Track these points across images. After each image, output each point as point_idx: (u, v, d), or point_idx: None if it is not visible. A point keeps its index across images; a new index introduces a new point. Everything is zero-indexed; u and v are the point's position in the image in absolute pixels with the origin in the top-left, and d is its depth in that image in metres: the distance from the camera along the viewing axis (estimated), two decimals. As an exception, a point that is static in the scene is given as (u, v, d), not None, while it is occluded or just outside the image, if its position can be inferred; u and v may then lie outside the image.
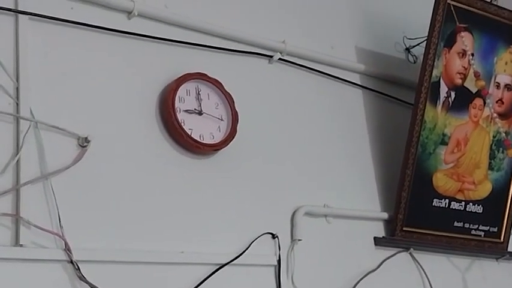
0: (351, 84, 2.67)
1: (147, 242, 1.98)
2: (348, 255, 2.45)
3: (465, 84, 2.68)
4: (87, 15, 2.02)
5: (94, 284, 1.82)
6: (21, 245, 1.76)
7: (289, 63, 2.49)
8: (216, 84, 2.22)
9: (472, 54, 2.63)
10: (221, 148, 2.18)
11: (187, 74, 2.17)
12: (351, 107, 2.67)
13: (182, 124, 2.11)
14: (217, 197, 2.17)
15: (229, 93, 2.24)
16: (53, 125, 1.86)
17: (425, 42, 2.60)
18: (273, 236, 2.25)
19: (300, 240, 2.30)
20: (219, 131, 2.20)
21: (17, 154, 1.80)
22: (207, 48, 2.27)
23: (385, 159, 2.66)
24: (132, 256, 1.93)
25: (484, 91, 2.65)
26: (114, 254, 1.90)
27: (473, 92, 2.70)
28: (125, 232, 1.95)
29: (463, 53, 2.64)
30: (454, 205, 2.71)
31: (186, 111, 2.14)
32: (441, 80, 2.62)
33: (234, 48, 2.34)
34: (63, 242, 1.81)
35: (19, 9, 1.90)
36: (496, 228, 2.84)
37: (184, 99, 2.15)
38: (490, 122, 2.75)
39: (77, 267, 1.81)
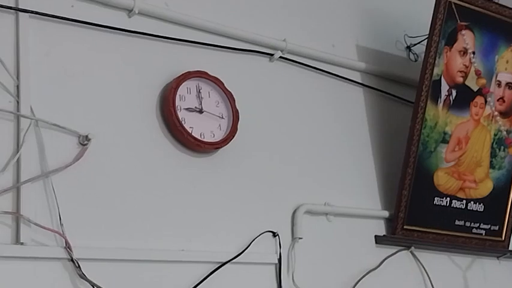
0: (351, 82, 2.67)
1: (147, 240, 1.98)
2: (349, 254, 2.45)
3: (466, 83, 2.68)
4: (87, 13, 2.02)
5: (94, 282, 1.82)
6: (21, 243, 1.76)
7: (290, 62, 2.49)
8: (217, 82, 2.22)
9: (473, 53, 2.63)
10: (222, 146, 2.18)
11: (188, 72, 2.17)
12: (352, 106, 2.66)
13: (183, 122, 2.11)
14: (217, 195, 2.17)
15: (230, 92, 2.24)
16: (53, 123, 1.87)
17: (426, 40, 2.60)
18: (274, 234, 2.25)
19: (300, 238, 2.30)
20: (220, 129, 2.20)
21: (17, 152, 1.80)
22: (208, 47, 2.27)
23: (386, 157, 2.66)
24: (133, 254, 1.94)
25: (485, 89, 2.65)
26: (114, 252, 1.90)
27: (475, 90, 2.69)
28: (125, 230, 1.95)
29: (464, 51, 2.64)
30: (455, 203, 2.71)
31: (187, 109, 2.14)
32: (442, 78, 2.62)
33: (235, 47, 2.34)
34: (64, 240, 1.81)
35: (19, 7, 1.90)
36: (497, 226, 2.84)
37: (185, 97, 2.15)
38: (491, 120, 2.74)
39: (77, 265, 1.81)
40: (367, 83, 2.72)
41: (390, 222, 2.58)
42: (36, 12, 1.92)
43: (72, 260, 1.81)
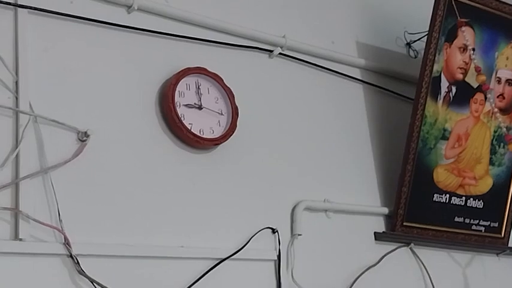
0: (351, 79, 2.66)
1: (146, 236, 1.98)
2: (348, 250, 2.45)
3: (466, 79, 2.67)
4: (86, 9, 2.02)
5: (93, 278, 1.83)
6: (20, 239, 1.76)
7: (290, 58, 2.48)
8: (216, 78, 2.22)
9: (473, 49, 2.62)
10: (221, 143, 2.18)
11: (187, 68, 2.16)
12: (352, 102, 2.66)
13: (182, 118, 2.11)
14: (217, 191, 2.17)
15: (229, 88, 2.24)
16: (52, 119, 1.87)
17: (426, 37, 2.59)
18: (273, 231, 2.25)
19: (300, 235, 2.30)
20: (219, 125, 2.20)
21: (16, 148, 1.80)
22: (207, 43, 2.27)
23: (385, 154, 2.66)
24: (132, 250, 1.93)
25: (485, 86, 2.65)
26: (113, 248, 1.90)
27: (474, 86, 2.69)
28: (124, 226, 1.95)
29: (464, 48, 2.64)
30: (455, 200, 2.71)
31: (186, 105, 2.14)
32: (442, 75, 2.61)
33: (234, 43, 2.34)
34: (63, 236, 1.81)
35: (18, 3, 1.90)
36: (497, 223, 2.83)
37: (184, 93, 2.15)
38: (491, 117, 2.74)
39: (76, 261, 1.81)
40: (367, 79, 2.71)
41: (390, 218, 2.58)
42: (35, 8, 1.92)
43: (71, 256, 1.81)
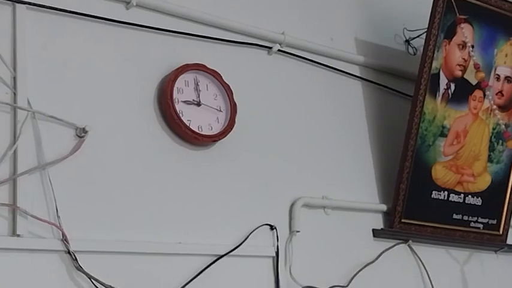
0: (350, 76, 2.66)
1: (144, 232, 1.98)
2: (346, 247, 2.45)
3: (465, 76, 2.67)
4: (85, 5, 2.02)
5: (91, 274, 1.82)
6: (18, 235, 1.76)
7: (289, 55, 2.48)
8: (215, 75, 2.22)
9: (472, 46, 2.62)
10: (219, 139, 2.18)
11: (186, 64, 2.16)
12: (350, 99, 2.66)
13: (180, 115, 2.10)
14: (215, 188, 2.17)
15: (227, 84, 2.23)
16: (50, 115, 1.86)
17: (425, 33, 2.59)
18: (271, 228, 2.25)
19: (298, 231, 2.30)
20: (218, 122, 2.20)
21: (14, 144, 1.80)
22: (206, 39, 2.27)
23: (384, 151, 2.66)
24: (130, 247, 1.93)
25: (483, 83, 2.64)
26: (111, 245, 1.90)
27: (473, 84, 2.69)
28: (122, 223, 1.95)
29: (463, 45, 2.63)
30: (453, 197, 2.71)
31: (185, 102, 2.14)
32: (441, 72, 2.61)
33: (233, 39, 2.33)
34: (61, 232, 1.81)
35: (17, -2, 1.90)
36: (495, 220, 2.84)
37: (183, 90, 2.14)
38: (490, 114, 2.74)
39: (74, 257, 1.81)
40: (366, 76, 2.71)
41: (388, 215, 2.58)
42: (34, 4, 1.91)
43: (69, 252, 1.81)
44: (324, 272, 2.36)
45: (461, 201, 2.73)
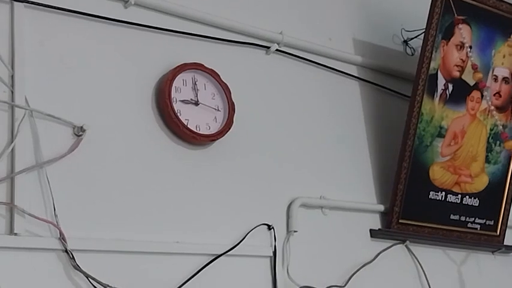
0: (348, 76, 2.66)
1: (142, 231, 1.98)
2: (344, 247, 2.45)
3: (463, 77, 2.67)
4: (83, 3, 2.01)
5: (88, 273, 1.82)
6: (15, 234, 1.76)
7: (287, 55, 2.48)
8: (213, 74, 2.22)
9: (470, 47, 2.62)
10: (217, 139, 2.18)
11: (184, 64, 2.16)
12: (348, 99, 2.66)
13: (178, 114, 2.10)
14: (213, 187, 2.17)
15: (225, 84, 2.23)
16: (48, 113, 1.86)
17: (423, 34, 2.59)
18: (269, 227, 2.25)
19: (295, 231, 2.30)
20: (216, 121, 2.20)
21: (11, 142, 1.80)
22: (204, 39, 2.27)
23: (381, 151, 2.66)
24: (127, 246, 1.93)
25: (481, 84, 2.64)
26: (109, 244, 1.90)
27: (471, 84, 2.69)
28: (120, 221, 1.95)
29: (461, 46, 2.64)
30: (451, 198, 2.71)
31: (183, 101, 2.14)
32: (439, 73, 2.61)
33: (231, 39, 2.33)
34: (58, 231, 1.81)
35: (15, -4, 1.89)
36: (492, 221, 2.84)
37: (181, 89, 2.14)
38: (488, 114, 2.74)
39: (71, 256, 1.81)
40: (364, 76, 2.71)
41: (385, 216, 2.58)
42: (32, 2, 1.91)
43: (66, 251, 1.81)
44: (322, 272, 2.36)
45: (459, 201, 2.73)
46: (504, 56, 2.77)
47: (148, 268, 1.96)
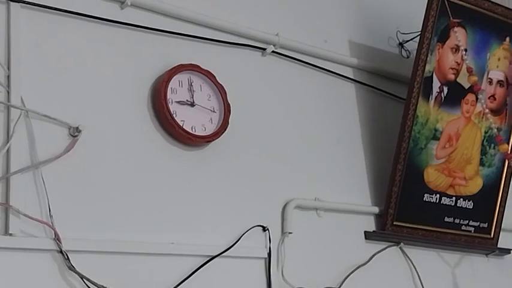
0: (343, 78, 2.67)
1: (137, 232, 1.98)
2: (338, 249, 2.45)
3: (458, 80, 2.68)
4: (79, 4, 2.01)
5: (83, 274, 1.82)
6: (10, 234, 1.75)
7: (282, 56, 2.48)
8: (209, 75, 2.22)
9: (465, 50, 2.63)
10: (213, 140, 2.18)
11: (180, 65, 2.16)
12: (344, 101, 2.66)
13: (174, 115, 2.10)
14: (208, 188, 2.17)
15: (221, 85, 2.23)
16: (44, 114, 1.86)
17: (418, 37, 2.60)
18: (264, 229, 2.25)
19: (290, 233, 2.30)
20: (211, 122, 2.20)
21: (7, 143, 1.79)
22: (200, 40, 2.27)
23: (376, 153, 2.67)
24: (122, 247, 1.93)
25: (476, 87, 2.65)
26: (104, 244, 1.90)
27: (466, 87, 2.70)
28: (115, 222, 1.95)
29: (456, 49, 2.64)
30: (445, 200, 2.71)
31: (178, 102, 2.14)
32: (434, 75, 2.62)
33: (227, 40, 2.34)
34: (53, 232, 1.81)
35: (11, -3, 1.89)
36: (486, 224, 2.84)
37: (177, 90, 2.14)
38: (482, 117, 2.75)
39: (66, 257, 1.81)
40: (359, 78, 2.72)
41: (380, 218, 2.59)
42: (28, 2, 1.91)
43: (61, 251, 1.80)
44: (316, 274, 2.36)
45: (453, 204, 2.74)
46: (499, 59, 2.78)
47: (143, 269, 1.96)
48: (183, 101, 2.15)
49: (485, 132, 2.78)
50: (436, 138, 2.66)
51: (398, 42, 2.90)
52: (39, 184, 1.83)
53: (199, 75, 2.21)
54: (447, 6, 2.57)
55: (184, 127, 2.11)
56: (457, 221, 2.76)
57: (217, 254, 2.10)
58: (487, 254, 2.90)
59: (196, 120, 2.16)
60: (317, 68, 2.58)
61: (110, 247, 1.91)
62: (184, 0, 2.26)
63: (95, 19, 2.03)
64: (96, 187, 1.94)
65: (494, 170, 2.83)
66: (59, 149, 1.87)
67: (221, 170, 2.21)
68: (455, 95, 2.69)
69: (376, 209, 2.59)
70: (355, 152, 2.63)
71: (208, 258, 2.08)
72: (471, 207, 2.78)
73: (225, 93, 2.23)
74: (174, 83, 2.13)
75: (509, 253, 2.96)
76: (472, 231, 2.81)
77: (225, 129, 2.20)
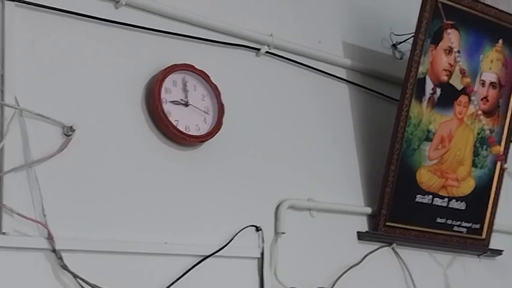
0: (337, 79, 2.67)
1: (130, 232, 1.98)
2: (331, 249, 2.46)
3: (451, 81, 2.69)
4: (74, 3, 2.00)
5: (76, 273, 1.82)
6: (3, 233, 1.75)
7: (277, 57, 2.48)
8: (203, 76, 2.22)
9: (458, 52, 2.63)
10: (206, 140, 2.18)
11: (174, 65, 2.16)
12: (337, 102, 2.67)
13: (168, 115, 2.10)
14: (201, 188, 2.17)
15: (215, 85, 2.24)
16: (37, 113, 1.85)
17: (412, 38, 2.61)
18: (257, 229, 2.26)
19: (283, 233, 2.31)
20: (205, 122, 2.20)
21: (1, 142, 1.79)
22: (195, 40, 2.27)
23: (369, 154, 2.67)
24: (116, 246, 1.93)
25: (469, 88, 2.66)
26: (97, 244, 1.90)
27: (459, 89, 2.71)
28: (108, 222, 1.95)
29: (450, 50, 2.65)
30: (437, 201, 2.72)
31: (172, 102, 2.14)
32: (427, 77, 2.63)
33: (222, 40, 2.34)
34: (46, 231, 1.80)
35: (6, -5, 1.89)
36: (478, 225, 2.86)
37: (171, 90, 2.14)
38: (475, 119, 2.76)
39: (59, 256, 1.80)
40: (353, 79, 2.72)
41: (373, 218, 2.60)
42: (23, 1, 1.90)
43: (54, 251, 1.80)
44: (309, 274, 2.37)
45: (445, 205, 2.75)
46: (492, 61, 2.79)
47: (136, 269, 1.96)
48: (177, 101, 2.15)
49: (478, 134, 2.79)
50: (428, 139, 2.66)
51: (391, 43, 2.90)
52: (32, 183, 1.82)
53: (194, 75, 2.21)
54: (440, 8, 2.58)
55: (178, 127, 2.11)
56: (449, 222, 2.77)
57: (210, 253, 2.10)
58: (478, 255, 2.92)
59: (190, 120, 2.16)
60: (311, 69, 2.58)
61: (103, 246, 1.91)
62: (179, 0, 2.26)
63: (90, 18, 2.03)
64: (90, 186, 1.94)
65: (487, 172, 2.84)
66: (53, 148, 1.87)
67: (215, 170, 2.22)
68: (448, 97, 2.70)
69: (368, 210, 2.60)
70: (348, 152, 2.64)
71: (201, 258, 2.08)
72: (463, 208, 2.80)
73: (219, 93, 2.24)
74: (168, 82, 2.13)
75: (501, 254, 2.98)
76: (464, 232, 2.82)
77: (219, 130, 2.21)
